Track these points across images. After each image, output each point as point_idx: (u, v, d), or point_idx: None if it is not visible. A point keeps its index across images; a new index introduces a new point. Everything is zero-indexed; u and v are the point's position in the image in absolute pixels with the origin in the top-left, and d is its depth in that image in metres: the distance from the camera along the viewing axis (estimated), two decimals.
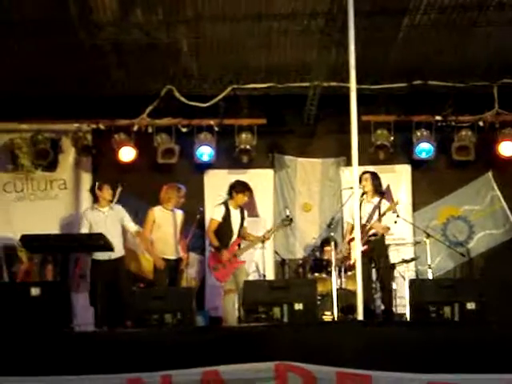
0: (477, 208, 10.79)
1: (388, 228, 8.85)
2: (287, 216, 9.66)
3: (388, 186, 10.79)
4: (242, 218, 9.26)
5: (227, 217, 9.15)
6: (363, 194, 8.82)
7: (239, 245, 9.20)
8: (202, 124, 10.34)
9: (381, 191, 9.06)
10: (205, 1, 8.00)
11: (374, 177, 9.01)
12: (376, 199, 8.96)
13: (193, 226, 9.41)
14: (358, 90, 7.29)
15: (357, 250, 7.30)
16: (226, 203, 9.24)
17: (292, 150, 10.90)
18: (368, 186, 8.91)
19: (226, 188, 9.39)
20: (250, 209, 10.19)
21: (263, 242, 9.33)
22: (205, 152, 10.33)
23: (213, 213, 9.36)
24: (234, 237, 9.15)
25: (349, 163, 7.65)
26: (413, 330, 6.54)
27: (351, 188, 7.70)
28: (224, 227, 9.13)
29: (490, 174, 10.73)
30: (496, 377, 5.83)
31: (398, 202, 9.06)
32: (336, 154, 10.64)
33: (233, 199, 9.22)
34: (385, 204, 8.87)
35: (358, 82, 7.39)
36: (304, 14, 8.19)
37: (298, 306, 7.05)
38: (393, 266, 9.41)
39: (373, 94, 10.13)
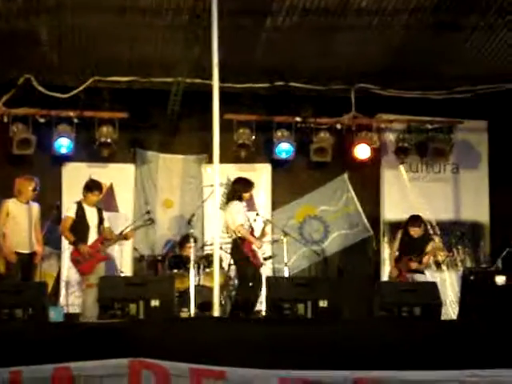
0: (332, 209, 11.09)
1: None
2: (148, 212, 9.62)
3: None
4: (101, 218, 9.10)
5: (81, 213, 8.97)
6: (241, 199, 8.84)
7: (102, 242, 9.07)
8: (61, 115, 10.09)
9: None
10: None
11: None
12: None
13: (49, 219, 9.17)
14: (221, 89, 7.34)
15: (215, 247, 7.35)
16: (79, 201, 9.08)
17: (154, 146, 10.82)
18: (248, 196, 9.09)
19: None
20: (109, 204, 10.07)
21: (126, 239, 9.32)
22: (63, 144, 10.07)
23: (67, 210, 9.17)
24: (91, 231, 8.98)
25: (211, 161, 7.67)
26: (267, 326, 6.65)
27: (212, 185, 7.73)
28: (79, 223, 8.94)
29: (345, 175, 11.05)
30: (347, 374, 5.99)
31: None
32: (199, 151, 10.65)
33: (85, 198, 9.06)
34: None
35: (222, 80, 7.43)
36: (168, 10, 8.14)
37: (155, 303, 7.00)
38: None
39: (236, 92, 10.20)
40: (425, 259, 9.34)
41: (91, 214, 9.02)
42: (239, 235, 8.53)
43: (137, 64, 9.76)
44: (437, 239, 10.91)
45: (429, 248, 9.38)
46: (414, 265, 9.19)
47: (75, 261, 8.92)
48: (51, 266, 10.17)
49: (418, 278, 9.25)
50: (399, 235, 9.62)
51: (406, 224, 9.55)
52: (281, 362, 5.99)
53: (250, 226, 8.78)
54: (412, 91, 10.55)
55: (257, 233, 8.90)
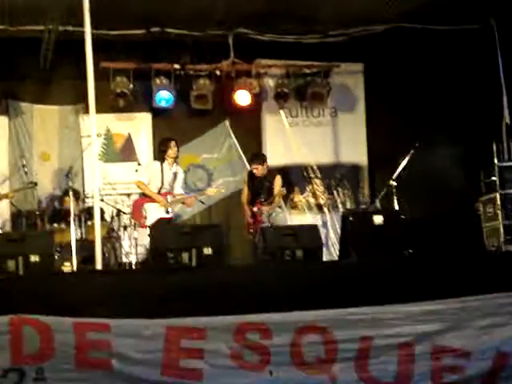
0: (215, 156, 11.08)
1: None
2: (23, 166, 9.36)
3: (129, 135, 10.78)
4: None
5: None
6: (164, 158, 8.91)
7: None
8: None
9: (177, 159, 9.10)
10: None
11: (177, 144, 9.06)
12: (175, 167, 9.03)
13: None
14: (95, 36, 7.15)
15: (95, 200, 7.21)
16: None
17: (28, 97, 10.47)
18: (173, 153, 8.96)
19: None
20: None
21: (6, 198, 9.18)
22: None
23: None
24: None
25: (88, 111, 7.46)
26: (151, 275, 6.63)
27: (89, 136, 7.55)
28: None
29: (227, 122, 11.03)
30: (232, 318, 6.05)
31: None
32: (75, 100, 10.36)
33: None
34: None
35: (95, 27, 7.22)
36: None
37: (35, 258, 6.81)
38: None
39: (112, 40, 9.93)
40: (275, 201, 9.15)
41: None
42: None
43: (5, 11, 9.31)
44: (317, 182, 11.13)
45: (276, 189, 9.16)
46: (265, 209, 9.11)
47: None
48: None
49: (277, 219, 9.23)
50: (246, 177, 9.59)
51: (250, 164, 9.54)
52: (167, 311, 6.00)
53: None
54: (288, 36, 10.56)
55: None
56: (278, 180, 9.30)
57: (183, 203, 9.35)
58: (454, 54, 10.57)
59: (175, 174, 8.99)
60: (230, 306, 6.14)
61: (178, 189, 9.06)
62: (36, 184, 9.36)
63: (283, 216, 9.42)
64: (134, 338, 5.91)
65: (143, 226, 8.79)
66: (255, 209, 9.15)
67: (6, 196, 9.04)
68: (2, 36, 9.81)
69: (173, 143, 8.98)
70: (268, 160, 10.88)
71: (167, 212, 8.87)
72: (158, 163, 8.97)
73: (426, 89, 10.77)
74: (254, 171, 9.29)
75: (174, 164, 9.03)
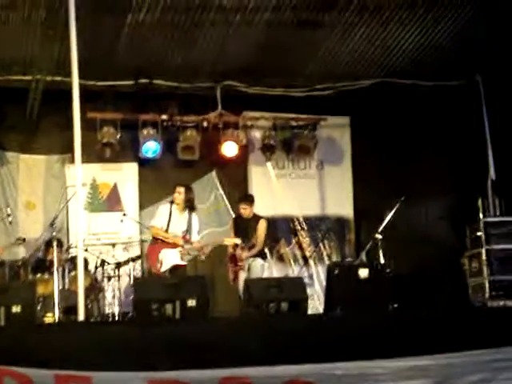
0: (202, 206, 11.03)
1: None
2: (8, 215, 9.31)
3: (115, 185, 10.76)
4: None
5: None
6: (172, 203, 9.00)
7: None
8: None
9: (192, 206, 9.09)
10: None
11: (189, 191, 9.10)
12: (187, 214, 9.01)
13: None
14: (83, 86, 7.20)
15: (79, 249, 7.15)
16: None
17: (14, 146, 10.45)
18: (179, 199, 8.98)
19: None
20: None
21: None
22: None
23: None
24: None
25: (74, 160, 7.45)
26: (134, 328, 6.54)
27: (75, 186, 7.52)
28: None
29: (213, 173, 11.06)
30: (214, 372, 5.96)
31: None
32: (61, 150, 10.35)
33: None
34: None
35: (83, 77, 7.29)
36: (25, 5, 7.85)
37: (16, 309, 6.73)
38: (118, 265, 9.39)
39: (99, 90, 9.98)
40: (257, 244, 9.08)
41: None
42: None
43: None
44: (304, 234, 11.12)
45: (259, 235, 9.09)
46: (244, 254, 9.04)
47: None
48: None
49: (252, 262, 9.10)
50: (231, 223, 9.60)
51: (238, 203, 9.43)
52: (149, 364, 5.91)
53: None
54: (276, 88, 10.66)
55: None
56: (262, 224, 9.23)
57: (199, 251, 9.21)
58: (440, 109, 10.69)
59: (189, 221, 8.96)
60: (214, 359, 6.04)
61: (195, 236, 9.04)
62: (24, 240, 9.33)
63: (260, 267, 9.18)
64: None
65: (158, 272, 8.74)
66: (237, 252, 9.08)
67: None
68: None
69: (179, 188, 9.03)
70: (254, 211, 10.96)
71: (182, 259, 8.83)
72: (167, 205, 9.04)
73: (412, 143, 10.87)
74: (242, 211, 9.26)
75: (187, 210, 9.00)
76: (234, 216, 9.67)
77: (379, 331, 6.44)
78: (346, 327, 6.48)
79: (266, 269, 9.33)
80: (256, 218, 9.29)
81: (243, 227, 9.21)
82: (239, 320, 7.39)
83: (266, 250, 10.85)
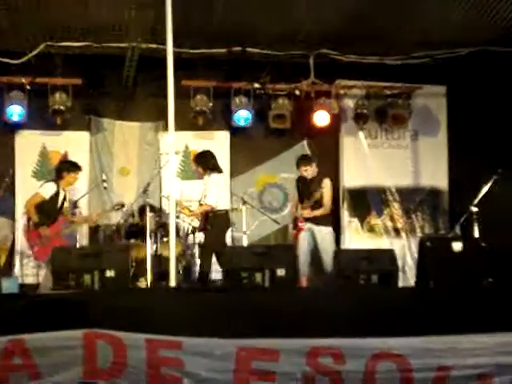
0: (292, 176, 10.94)
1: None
2: (103, 180, 9.52)
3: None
4: (64, 199, 8.99)
5: (55, 197, 8.85)
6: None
7: (63, 224, 8.94)
8: (13, 82, 9.82)
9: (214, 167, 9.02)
10: None
11: (198, 157, 9.13)
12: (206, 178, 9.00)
13: (1, 188, 8.96)
14: (177, 54, 7.21)
15: (171, 216, 7.22)
16: (57, 183, 8.94)
17: (110, 113, 10.64)
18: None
19: (43, 159, 9.40)
20: None
21: (90, 222, 9.43)
22: (15, 111, 9.81)
23: (41, 188, 8.98)
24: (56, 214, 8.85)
25: (167, 128, 7.52)
26: (224, 295, 6.59)
27: (168, 153, 7.59)
28: (49, 206, 8.81)
29: (305, 142, 10.99)
30: (304, 342, 5.96)
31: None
32: (155, 118, 10.50)
33: (63, 179, 8.95)
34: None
35: (177, 45, 7.31)
36: None
37: (110, 273, 6.88)
38: None
39: (193, 58, 10.01)
40: (323, 204, 8.88)
41: (61, 197, 8.92)
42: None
43: (90, 29, 9.50)
44: (396, 205, 10.96)
45: (317, 195, 8.80)
46: (305, 212, 8.89)
47: (31, 245, 8.76)
48: (4, 236, 9.94)
49: (318, 232, 8.90)
50: (295, 184, 9.40)
51: (297, 166, 9.21)
52: (239, 332, 5.95)
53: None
54: (370, 56, 10.46)
55: None
56: (326, 183, 8.99)
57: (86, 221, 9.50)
58: None
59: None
60: (303, 329, 6.04)
61: (210, 199, 8.90)
62: (123, 206, 9.46)
63: (330, 237, 9.00)
64: (205, 357, 5.87)
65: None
66: (298, 212, 9.01)
67: (90, 219, 9.23)
68: (87, 53, 10.02)
69: None
70: (345, 181, 10.85)
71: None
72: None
73: (510, 114, 10.49)
74: (304, 173, 9.07)
75: (208, 175, 9.02)
76: (296, 179, 9.42)
77: (472, 306, 6.31)
78: (438, 301, 6.35)
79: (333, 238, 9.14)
80: (319, 178, 9.05)
81: (306, 187, 9.05)
82: (329, 290, 7.35)
83: (354, 219, 10.86)
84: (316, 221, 8.91)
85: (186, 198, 10.20)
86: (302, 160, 9.21)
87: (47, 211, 8.77)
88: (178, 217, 8.69)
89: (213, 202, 8.73)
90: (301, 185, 9.22)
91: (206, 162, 8.97)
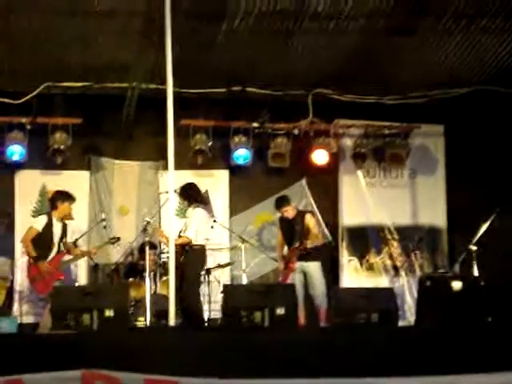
0: None
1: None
2: (103, 220, 9.52)
3: (206, 191, 10.84)
4: (64, 231, 9.00)
5: (49, 228, 8.86)
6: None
7: (62, 257, 8.96)
8: (13, 121, 9.87)
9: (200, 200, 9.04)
10: None
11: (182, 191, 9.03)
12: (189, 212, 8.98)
13: (1, 227, 8.97)
14: (177, 94, 7.28)
15: (170, 255, 7.22)
16: (49, 214, 8.98)
17: (109, 152, 10.68)
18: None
19: (43, 198, 9.49)
20: None
21: (88, 256, 9.36)
22: (16, 151, 9.87)
23: (34, 222, 9.06)
24: (55, 249, 8.85)
25: (167, 167, 7.55)
26: (223, 335, 6.57)
27: (167, 192, 7.61)
28: (44, 238, 8.82)
29: (303, 181, 11.02)
30: (303, 382, 5.92)
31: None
32: (155, 157, 10.52)
33: (57, 210, 8.96)
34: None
35: (177, 85, 7.35)
36: (121, 14, 8.00)
37: (109, 313, 6.86)
38: (208, 271, 9.45)
39: (192, 98, 10.10)
40: (310, 238, 9.08)
41: (57, 230, 8.94)
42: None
43: (90, 69, 9.59)
44: (395, 244, 10.95)
45: (312, 228, 9.15)
46: (308, 244, 9.01)
47: (31, 279, 8.74)
48: (4, 275, 9.92)
49: (307, 267, 9.08)
50: (278, 225, 9.54)
51: (277, 208, 9.39)
52: (237, 371, 5.91)
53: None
54: (368, 96, 10.55)
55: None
56: (309, 218, 9.26)
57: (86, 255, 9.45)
58: None
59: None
60: (303, 368, 6.00)
61: (190, 232, 8.78)
62: (119, 239, 9.46)
63: (319, 271, 9.17)
64: None
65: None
66: (289, 253, 9.10)
67: (89, 253, 9.22)
68: (88, 92, 10.12)
69: None
70: (344, 220, 10.87)
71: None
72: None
73: (508, 152, 10.55)
74: (285, 214, 9.22)
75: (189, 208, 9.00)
76: (278, 222, 9.59)
77: (473, 345, 6.28)
78: (439, 340, 6.33)
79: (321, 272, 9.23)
80: (301, 215, 9.27)
81: (289, 228, 9.19)
82: (328, 329, 7.34)
83: (353, 258, 10.86)
84: (305, 257, 9.06)
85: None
86: (281, 202, 9.38)
87: (43, 243, 8.79)
88: None
89: (192, 235, 8.65)
90: (284, 226, 9.32)
91: (191, 195, 8.99)
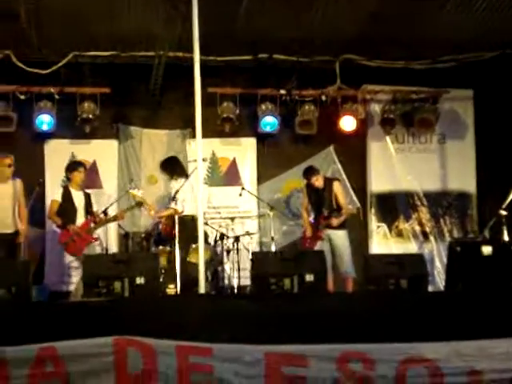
0: None
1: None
2: (131, 180, 9.62)
3: (234, 159, 10.88)
4: (88, 201, 9.12)
5: (68, 196, 8.99)
6: None
7: (93, 222, 9.06)
8: (42, 91, 9.95)
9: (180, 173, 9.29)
10: None
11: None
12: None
13: (32, 197, 9.03)
14: (204, 62, 7.24)
15: (199, 223, 7.25)
16: (65, 186, 9.14)
17: (137, 121, 10.71)
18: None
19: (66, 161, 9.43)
20: (92, 181, 10.01)
21: (117, 220, 9.37)
22: (45, 121, 9.95)
23: (52, 194, 9.25)
24: (78, 214, 8.97)
25: (195, 135, 7.57)
26: (253, 302, 6.60)
27: (195, 160, 7.64)
28: (66, 206, 8.96)
29: (331, 148, 10.97)
30: (332, 347, 5.96)
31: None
32: (182, 125, 10.54)
33: (71, 180, 9.09)
34: None
35: (204, 53, 7.34)
36: None
37: (140, 280, 6.94)
38: (237, 239, 9.50)
39: (219, 66, 10.07)
40: (343, 208, 9.17)
41: (78, 198, 9.05)
42: None
43: (118, 38, 9.62)
44: (424, 210, 10.92)
45: (340, 198, 9.20)
46: (336, 222, 9.07)
47: (64, 244, 8.85)
48: (35, 244, 10.03)
49: (334, 235, 9.14)
50: (304, 191, 9.57)
51: (305, 178, 9.43)
52: (268, 337, 5.96)
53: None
54: (396, 61, 10.46)
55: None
56: (338, 186, 9.31)
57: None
58: None
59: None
60: (332, 334, 6.03)
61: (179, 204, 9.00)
62: (142, 204, 9.48)
63: (346, 239, 9.23)
64: (235, 363, 5.88)
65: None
66: (321, 222, 9.14)
67: (116, 217, 9.27)
68: (115, 62, 10.14)
69: None
70: (373, 186, 10.84)
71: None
72: None
73: None
74: (316, 183, 9.26)
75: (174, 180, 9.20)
76: (305, 182, 9.58)
77: (502, 309, 6.26)
78: (469, 305, 6.32)
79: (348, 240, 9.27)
80: (329, 183, 9.31)
81: (317, 197, 9.26)
82: (358, 295, 7.36)
83: (382, 224, 10.84)
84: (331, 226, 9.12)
85: (213, 205, 10.28)
86: (311, 171, 9.42)
87: (66, 212, 8.94)
88: (206, 223, 8.71)
89: (179, 206, 8.79)
90: (312, 195, 9.36)
91: (171, 169, 9.03)
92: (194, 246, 9.08)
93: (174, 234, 8.42)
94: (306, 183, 9.48)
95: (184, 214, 8.82)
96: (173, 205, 8.83)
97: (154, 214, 9.26)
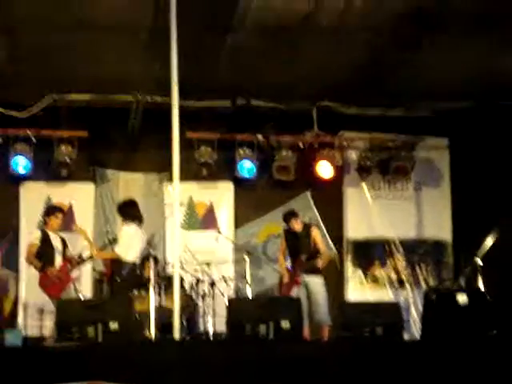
0: None
1: None
2: (107, 232, 9.50)
3: (211, 204, 10.87)
4: (65, 246, 9.06)
5: (46, 239, 8.93)
6: None
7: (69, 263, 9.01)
8: (19, 134, 9.92)
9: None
10: (21, 6, 7.63)
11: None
12: None
13: (6, 240, 8.97)
14: (182, 106, 7.27)
15: (175, 267, 7.21)
16: (42, 229, 9.08)
17: (114, 164, 10.71)
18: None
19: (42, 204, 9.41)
20: (68, 224, 9.91)
21: (92, 258, 9.30)
22: (21, 163, 9.91)
23: (29, 237, 9.21)
24: (57, 256, 8.91)
25: (172, 179, 7.56)
26: (228, 348, 6.56)
27: (172, 204, 7.61)
28: (45, 248, 8.89)
29: (308, 193, 11.01)
30: None
31: None
32: (160, 168, 10.52)
33: (47, 224, 9.04)
34: None
35: (183, 97, 7.35)
36: (127, 27, 8.02)
37: (113, 325, 6.85)
38: (213, 284, 9.44)
39: (197, 110, 10.12)
40: (321, 253, 9.20)
41: (55, 240, 8.99)
42: None
43: (96, 82, 9.62)
44: (399, 257, 10.93)
45: (319, 244, 9.23)
46: (319, 262, 9.09)
47: (44, 285, 8.75)
48: (9, 288, 9.91)
49: (311, 282, 9.12)
50: (283, 235, 9.58)
51: (285, 221, 9.44)
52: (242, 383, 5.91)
53: None
54: (373, 108, 10.57)
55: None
56: (316, 233, 9.34)
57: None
58: None
59: None
60: (308, 381, 6.01)
61: None
62: (116, 240, 9.39)
63: (322, 286, 9.21)
64: None
65: None
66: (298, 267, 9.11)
67: (91, 256, 9.19)
68: (93, 105, 10.14)
69: None
70: (349, 233, 10.86)
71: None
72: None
73: None
74: (296, 227, 9.27)
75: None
76: (284, 228, 9.60)
77: (479, 358, 6.26)
78: (445, 354, 6.31)
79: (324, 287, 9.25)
80: (307, 228, 9.35)
81: (296, 241, 9.23)
82: (334, 343, 7.32)
83: (357, 270, 10.85)
84: (308, 271, 9.11)
85: (189, 249, 10.21)
86: (292, 214, 9.43)
87: (45, 254, 8.85)
88: (182, 268, 8.66)
89: (122, 251, 8.75)
90: (290, 238, 9.34)
91: (124, 212, 9.01)
92: (169, 290, 9.04)
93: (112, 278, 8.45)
94: (284, 228, 9.48)
95: (127, 259, 8.75)
96: (116, 248, 8.74)
97: (95, 253, 9.15)
